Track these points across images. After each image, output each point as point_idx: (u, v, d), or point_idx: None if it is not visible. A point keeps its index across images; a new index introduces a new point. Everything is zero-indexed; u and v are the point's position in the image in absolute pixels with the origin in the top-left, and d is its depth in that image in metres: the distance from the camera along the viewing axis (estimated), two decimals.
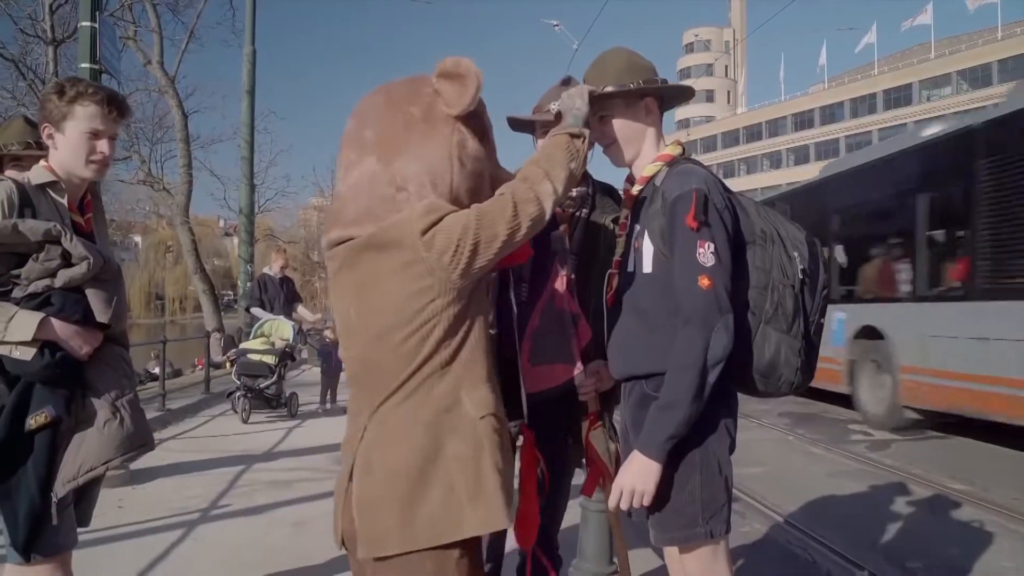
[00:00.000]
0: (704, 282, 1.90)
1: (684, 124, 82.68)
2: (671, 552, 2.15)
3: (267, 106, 44.16)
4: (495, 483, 1.68)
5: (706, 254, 1.91)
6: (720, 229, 1.96)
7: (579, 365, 2.22)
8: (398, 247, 1.64)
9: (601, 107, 2.08)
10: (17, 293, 2.12)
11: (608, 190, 2.65)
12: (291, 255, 43.88)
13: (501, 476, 1.70)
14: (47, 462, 2.10)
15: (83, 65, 5.80)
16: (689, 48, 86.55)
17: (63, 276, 2.14)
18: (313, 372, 13.10)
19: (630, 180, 2.24)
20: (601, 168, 4.04)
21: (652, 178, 2.13)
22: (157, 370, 13.71)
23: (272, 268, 9.93)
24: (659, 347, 1.99)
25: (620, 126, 2.13)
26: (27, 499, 2.08)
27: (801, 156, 67.54)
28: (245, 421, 8.65)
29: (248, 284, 13.12)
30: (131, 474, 6.02)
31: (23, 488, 2.09)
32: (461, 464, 1.67)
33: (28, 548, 2.11)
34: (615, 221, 2.41)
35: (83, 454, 2.15)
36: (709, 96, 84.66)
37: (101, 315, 2.20)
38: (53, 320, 2.11)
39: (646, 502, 1.94)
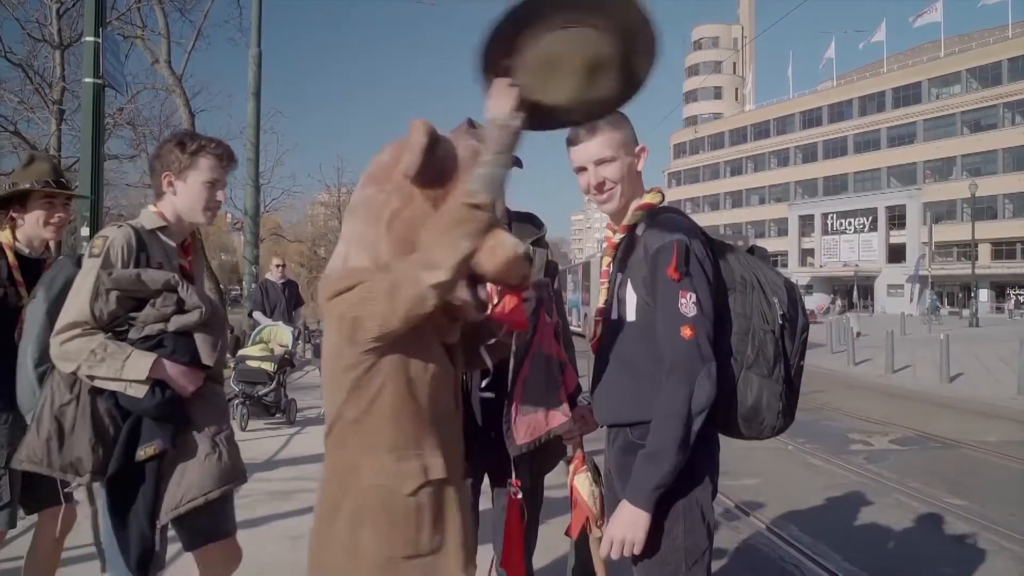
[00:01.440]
0: (687, 332, 1.95)
1: (692, 121, 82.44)
2: None
3: (273, 105, 44.20)
4: (365, 558, 1.73)
5: (688, 304, 1.96)
6: (701, 279, 2.00)
7: (566, 411, 2.26)
8: (320, 303, 1.73)
9: (603, 149, 2.12)
10: (133, 334, 2.33)
11: (526, 217, 2.77)
12: (298, 252, 44.04)
13: (372, 550, 1.72)
14: (154, 491, 2.30)
15: (87, 80, 5.85)
16: (697, 45, 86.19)
17: (176, 322, 2.35)
18: (316, 375, 13.14)
19: (611, 227, 2.28)
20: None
21: (633, 227, 2.17)
22: None
23: (272, 274, 9.98)
24: (643, 395, 2.04)
25: (621, 170, 2.15)
26: (137, 526, 2.29)
27: (809, 154, 67.33)
28: (243, 429, 8.58)
29: (252, 286, 13.19)
30: None
31: (134, 516, 2.29)
32: (346, 527, 1.74)
33: (139, 571, 2.30)
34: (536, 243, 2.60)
35: (185, 485, 2.33)
36: (717, 93, 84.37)
37: (207, 358, 2.40)
38: (165, 361, 2.30)
39: (636, 551, 2.00)
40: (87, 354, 2.25)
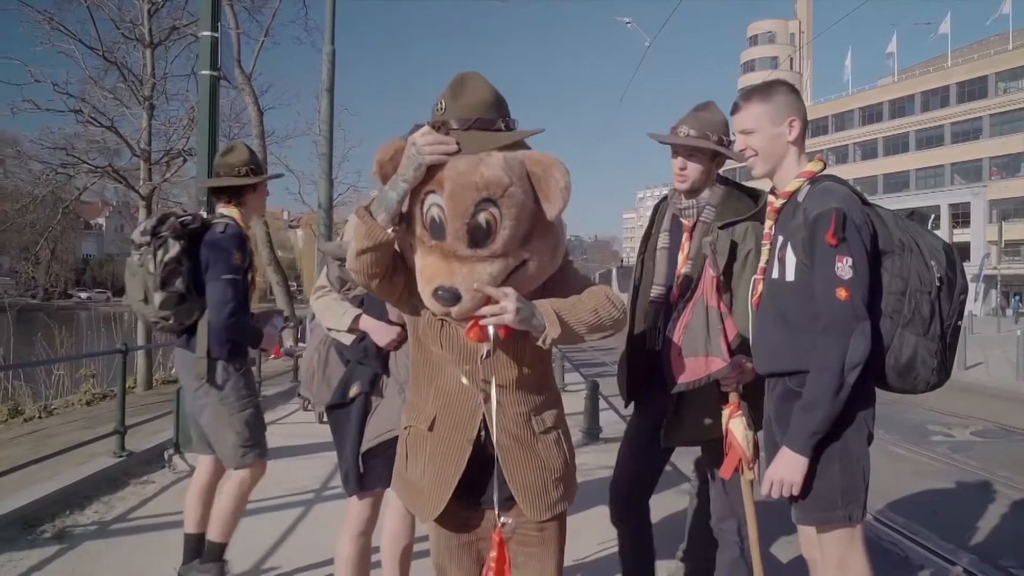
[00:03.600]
0: (842, 293, 2.12)
1: None
2: (807, 535, 2.37)
3: (339, 102, 44.97)
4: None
5: (844, 268, 2.14)
6: (858, 244, 2.17)
7: (725, 357, 2.43)
8: None
9: (746, 121, 2.33)
10: (357, 294, 2.85)
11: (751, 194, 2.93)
12: None
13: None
14: (357, 424, 2.78)
15: (203, 72, 6.21)
16: (753, 41, 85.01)
17: None
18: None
19: (774, 193, 2.46)
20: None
21: (794, 193, 2.34)
22: None
23: None
24: (800, 348, 2.23)
25: (761, 140, 2.37)
26: (346, 450, 2.82)
27: (869, 151, 65.87)
28: (322, 421, 8.60)
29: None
30: None
31: (345, 442, 2.82)
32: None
33: (345, 484, 2.87)
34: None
35: (377, 422, 2.75)
36: None
37: (394, 316, 2.73)
38: (364, 316, 2.76)
39: (795, 492, 2.20)
40: (322, 309, 2.87)
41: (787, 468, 2.19)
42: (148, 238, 3.40)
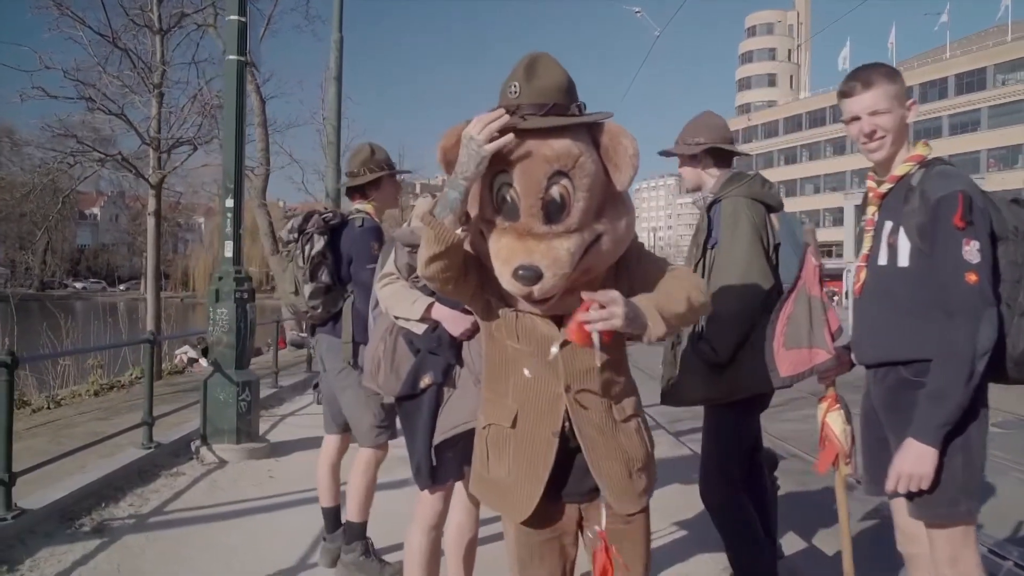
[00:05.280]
0: (971, 277, 2.06)
1: (745, 109, 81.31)
2: (909, 530, 2.32)
3: (343, 91, 44.73)
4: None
5: (972, 251, 2.07)
6: (983, 228, 2.11)
7: (829, 348, 2.37)
8: None
9: (878, 101, 2.25)
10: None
11: None
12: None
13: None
14: (429, 416, 2.64)
15: (230, 57, 6.10)
16: (751, 32, 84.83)
17: None
18: None
19: (873, 178, 2.38)
20: None
21: (903, 177, 2.27)
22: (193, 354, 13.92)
23: None
24: (918, 335, 2.17)
25: (892, 121, 2.28)
26: (418, 443, 2.68)
27: None
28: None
29: None
30: (271, 447, 6.39)
31: (416, 434, 2.67)
32: None
33: (416, 477, 2.72)
34: None
35: (451, 414, 2.62)
36: (771, 80, 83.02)
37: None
38: (437, 304, 2.63)
39: (924, 486, 2.12)
40: (390, 296, 2.73)
41: (916, 461, 2.12)
42: (296, 235, 3.71)
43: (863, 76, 2.31)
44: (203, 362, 14.91)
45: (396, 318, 2.77)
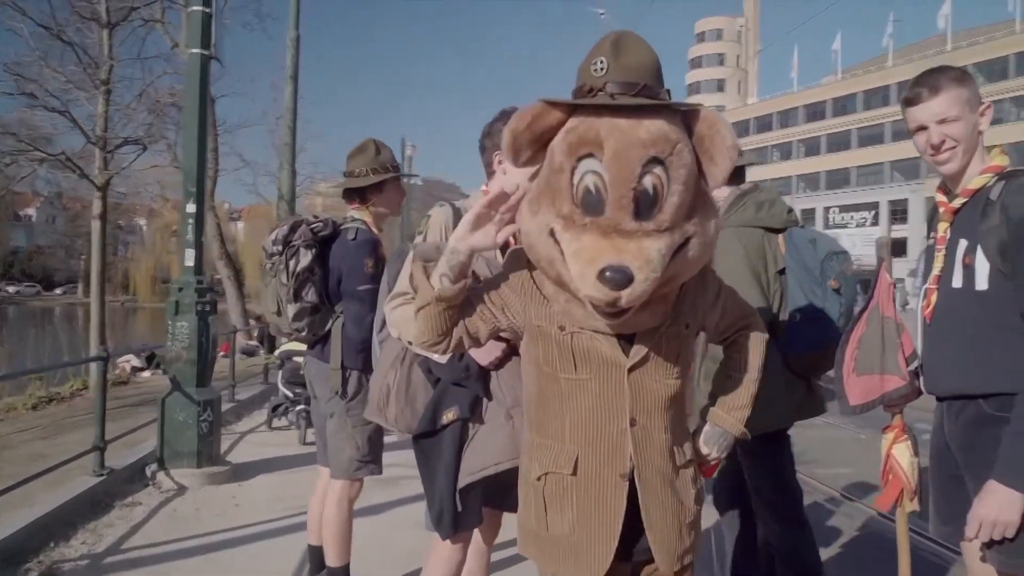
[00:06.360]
0: None
1: None
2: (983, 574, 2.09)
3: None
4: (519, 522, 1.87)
5: None
6: None
7: (903, 374, 2.13)
8: None
9: (948, 107, 2.02)
10: None
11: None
12: None
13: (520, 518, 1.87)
14: (454, 454, 2.32)
15: (193, 50, 5.66)
16: (700, 37, 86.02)
17: None
18: None
19: (943, 191, 2.16)
20: None
21: (979, 191, 2.05)
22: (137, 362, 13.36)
23: None
24: (999, 366, 1.95)
25: (964, 129, 2.05)
26: (439, 485, 2.35)
27: (812, 147, 67.29)
28: (303, 442, 7.13)
29: None
30: (233, 470, 5.96)
31: (437, 476, 2.35)
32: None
33: (438, 526, 2.38)
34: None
35: (480, 453, 2.30)
36: (720, 86, 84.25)
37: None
38: None
39: (1008, 534, 1.90)
40: (404, 321, 2.26)
41: (1001, 507, 1.89)
42: (280, 247, 3.31)
43: (930, 81, 2.09)
44: (147, 372, 14.29)
45: (409, 344, 2.41)
